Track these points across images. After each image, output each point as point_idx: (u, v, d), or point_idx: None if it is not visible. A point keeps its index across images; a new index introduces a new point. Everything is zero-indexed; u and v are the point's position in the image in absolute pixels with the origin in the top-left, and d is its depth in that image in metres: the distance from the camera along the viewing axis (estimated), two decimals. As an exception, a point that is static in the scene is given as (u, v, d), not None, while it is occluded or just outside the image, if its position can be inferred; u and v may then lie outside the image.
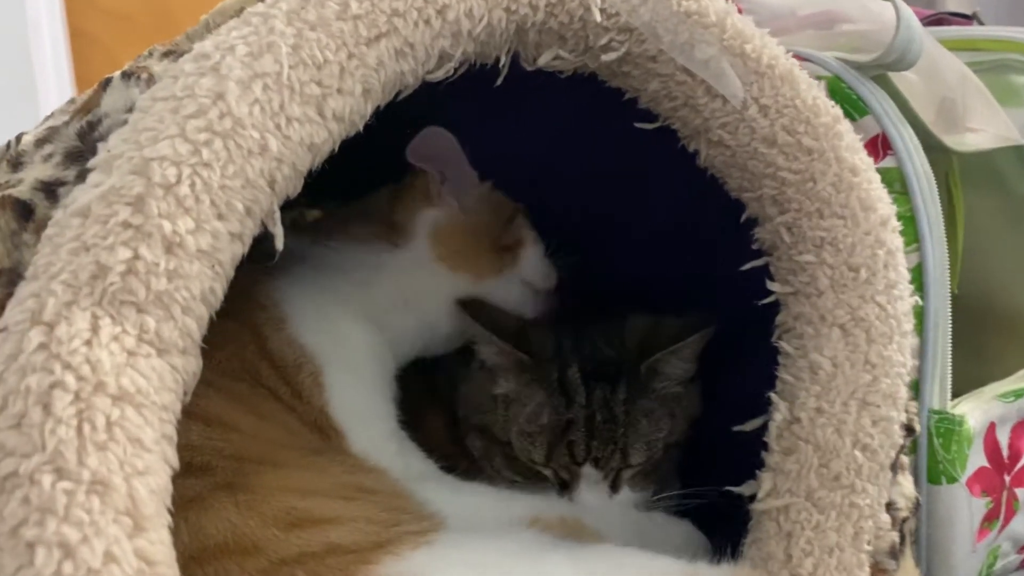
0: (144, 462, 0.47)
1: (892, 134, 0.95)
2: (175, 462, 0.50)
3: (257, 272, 0.87)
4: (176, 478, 0.62)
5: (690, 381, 0.96)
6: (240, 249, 0.56)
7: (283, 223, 0.96)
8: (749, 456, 0.86)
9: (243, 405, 0.76)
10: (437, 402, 1.00)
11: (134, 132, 0.54)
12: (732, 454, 0.96)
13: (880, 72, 1.00)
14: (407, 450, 0.87)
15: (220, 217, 0.55)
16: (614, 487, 0.91)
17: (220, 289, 0.55)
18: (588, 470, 0.90)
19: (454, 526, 0.74)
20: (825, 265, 0.75)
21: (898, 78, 1.02)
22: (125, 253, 0.51)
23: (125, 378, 0.48)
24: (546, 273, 0.99)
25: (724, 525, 1.00)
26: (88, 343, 0.48)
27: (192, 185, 0.53)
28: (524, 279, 0.97)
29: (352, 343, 0.89)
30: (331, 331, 0.87)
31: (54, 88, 2.01)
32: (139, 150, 0.53)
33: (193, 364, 0.53)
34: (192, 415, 0.69)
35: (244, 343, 0.82)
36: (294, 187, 0.60)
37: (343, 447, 0.82)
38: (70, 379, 0.47)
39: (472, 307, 0.93)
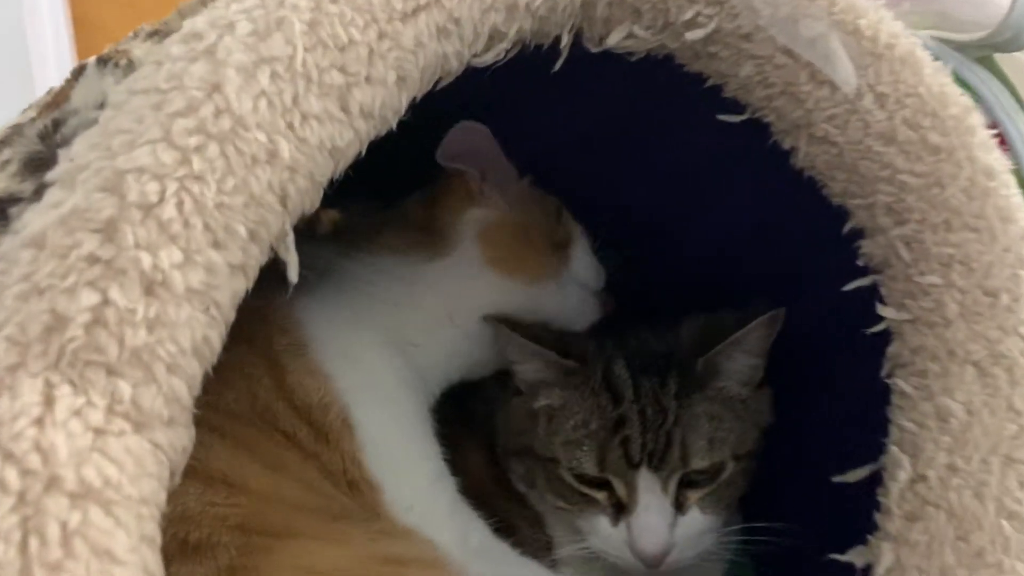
0: (114, 583, 0.35)
1: (1007, 126, 0.81)
2: (159, 570, 0.38)
3: (273, 290, 0.74)
4: (169, 565, 0.50)
5: (759, 387, 0.84)
6: (243, 284, 0.44)
7: (296, 229, 0.82)
8: (834, 504, 0.75)
9: (253, 456, 0.63)
10: (475, 434, 0.87)
11: (105, 135, 0.42)
12: (807, 498, 0.84)
13: (987, 53, 0.86)
14: (461, 511, 0.74)
15: (216, 245, 0.42)
16: (680, 507, 0.79)
17: (217, 337, 0.43)
18: (646, 478, 0.78)
19: None
20: (954, 289, 0.62)
21: (1006, 60, 0.89)
22: (91, 298, 0.38)
23: (89, 468, 0.36)
24: (597, 271, 0.88)
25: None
26: (39, 422, 0.36)
27: (180, 205, 0.41)
28: (577, 279, 0.85)
29: (387, 372, 0.76)
30: (362, 358, 0.75)
31: (55, 82, 1.88)
32: (111, 159, 0.41)
33: (183, 437, 0.41)
34: (189, 473, 0.57)
35: (257, 377, 0.70)
36: (311, 202, 0.48)
37: (375, 503, 0.69)
38: (12, 475, 0.34)
39: (506, 322, 0.81)
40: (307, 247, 0.74)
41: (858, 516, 0.66)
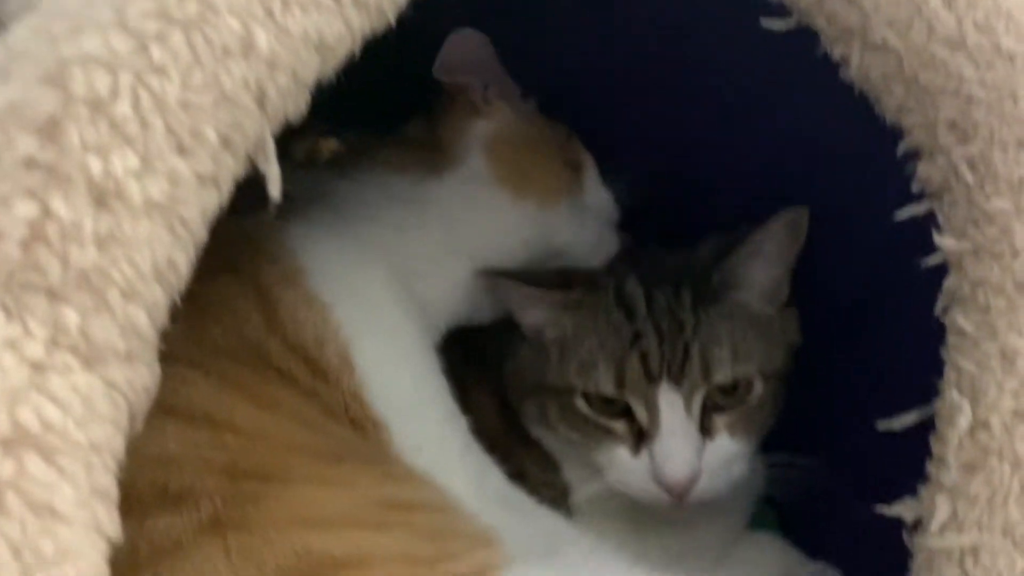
0: (57, 544, 0.29)
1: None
2: (114, 529, 0.32)
3: (263, 214, 0.68)
4: (145, 516, 0.45)
5: (785, 306, 0.78)
6: (215, 199, 0.38)
7: (293, 157, 0.75)
8: (878, 453, 0.68)
9: (242, 394, 0.58)
10: (485, 379, 0.81)
11: (47, 18, 0.35)
12: (847, 446, 0.78)
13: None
14: (474, 454, 0.69)
15: (181, 151, 0.36)
16: (707, 431, 0.73)
17: (185, 260, 0.37)
18: (668, 397, 0.72)
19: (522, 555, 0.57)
20: None
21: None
22: (28, 209, 0.32)
23: (25, 409, 0.30)
24: (610, 202, 0.82)
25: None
26: (-36, 354, 0.30)
27: (136, 102, 0.35)
28: (591, 206, 0.79)
29: (389, 302, 0.70)
30: (362, 287, 0.69)
31: None
32: (53, 46, 0.34)
33: (145, 376, 0.35)
34: (168, 411, 0.52)
35: (245, 311, 0.64)
36: (295, 106, 0.41)
37: (381, 443, 0.64)
38: (-71, 416, 0.28)
39: (501, 272, 0.76)
40: (302, 175, 0.66)
41: (905, 467, 0.60)
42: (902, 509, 0.58)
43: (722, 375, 0.72)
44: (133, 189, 0.34)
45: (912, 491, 0.59)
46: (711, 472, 0.73)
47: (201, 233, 0.38)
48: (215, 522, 0.49)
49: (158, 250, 0.35)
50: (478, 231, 0.74)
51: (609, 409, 0.74)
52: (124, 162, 0.34)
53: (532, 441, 0.81)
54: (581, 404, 0.75)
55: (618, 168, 0.81)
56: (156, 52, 0.35)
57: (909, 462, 0.60)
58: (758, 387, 0.75)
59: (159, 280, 0.35)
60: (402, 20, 0.56)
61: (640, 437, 0.73)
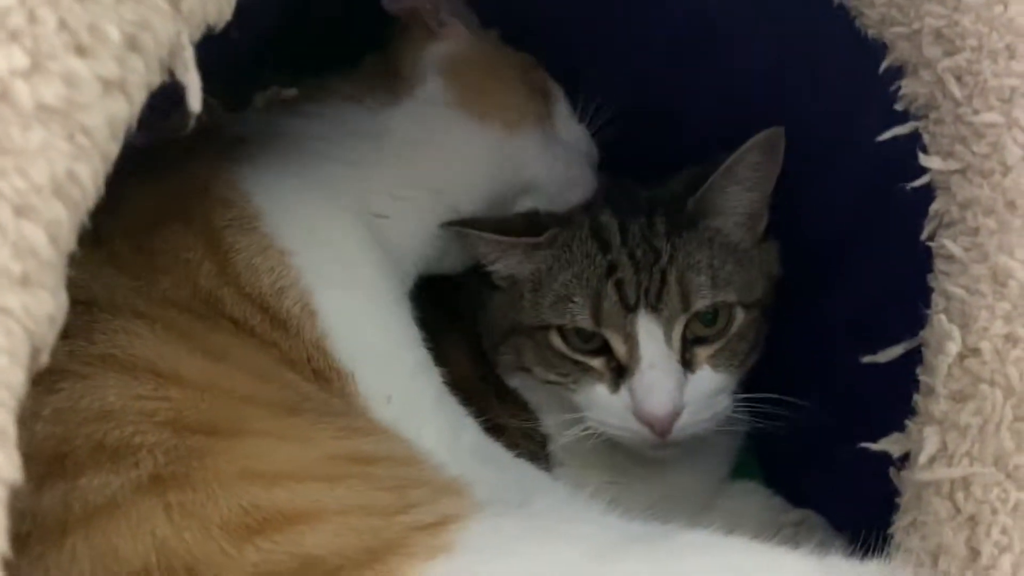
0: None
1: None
2: (12, 472, 0.29)
3: (214, 156, 0.64)
4: (79, 475, 0.42)
5: (764, 239, 0.76)
6: (124, 108, 0.34)
7: (255, 104, 0.71)
8: (863, 389, 0.66)
9: (191, 345, 0.54)
10: (458, 328, 0.78)
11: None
12: (830, 383, 0.75)
13: None
14: (448, 405, 0.66)
15: (80, 51, 0.32)
16: (688, 364, 0.70)
17: (90, 174, 0.33)
18: (647, 326, 0.69)
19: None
20: (1017, 128, 0.53)
21: None
22: None
23: None
24: (587, 138, 0.78)
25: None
26: None
27: (22, -7, 0.30)
28: (564, 140, 0.75)
29: (353, 245, 0.66)
30: (323, 229, 0.65)
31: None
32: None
33: (46, 303, 0.31)
34: (107, 362, 0.48)
35: (196, 261, 0.60)
36: (217, 9, 0.37)
37: (347, 394, 0.60)
38: None
39: (468, 223, 0.72)
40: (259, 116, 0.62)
41: (892, 401, 0.58)
42: (889, 444, 0.56)
43: (701, 302, 0.70)
44: (21, 91, 0.30)
45: (899, 427, 0.56)
46: (694, 406, 0.70)
47: (109, 145, 0.33)
48: (155, 479, 0.46)
49: (56, 162, 0.31)
50: (441, 160, 0.70)
51: (586, 345, 0.71)
52: (9, 60, 0.30)
53: (508, 392, 0.78)
54: (557, 341, 0.72)
55: (595, 104, 0.77)
56: (43, -64, 0.31)
57: (897, 398, 0.57)
58: (739, 317, 0.72)
59: (58, 195, 0.31)
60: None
61: (619, 373, 0.71)
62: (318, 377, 0.61)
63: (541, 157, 0.72)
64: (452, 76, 0.69)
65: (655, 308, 0.69)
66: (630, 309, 0.69)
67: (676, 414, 0.68)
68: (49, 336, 0.32)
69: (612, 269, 0.70)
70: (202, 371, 0.53)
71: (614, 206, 0.74)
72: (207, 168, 0.64)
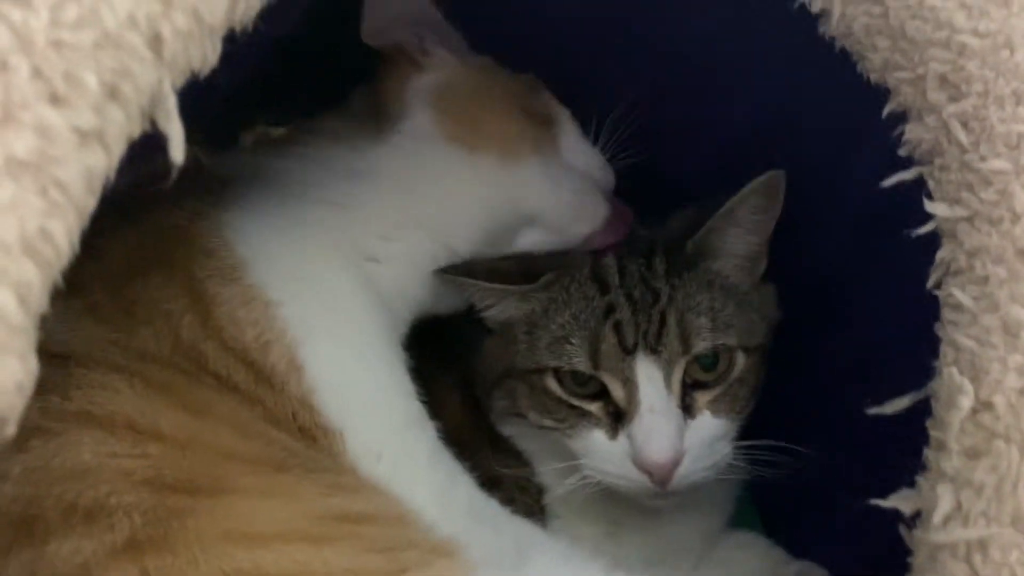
0: None
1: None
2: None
3: (196, 201, 0.62)
4: (48, 540, 0.40)
5: (763, 283, 0.74)
6: (102, 160, 0.32)
7: (242, 143, 0.69)
8: (868, 442, 0.65)
9: (170, 400, 0.52)
10: (450, 374, 0.76)
11: None
12: (834, 435, 0.73)
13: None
14: (442, 461, 0.63)
15: (54, 100, 0.30)
16: (688, 410, 0.69)
17: (64, 231, 0.31)
18: (647, 369, 0.67)
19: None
20: None
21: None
22: None
23: None
24: (599, 160, 0.74)
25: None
26: None
27: (-8, 39, 0.29)
28: (572, 165, 0.72)
29: (344, 293, 0.64)
30: (312, 280, 0.62)
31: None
32: None
33: (16, 370, 0.29)
34: (82, 419, 0.46)
35: (178, 313, 0.58)
36: (201, 54, 0.35)
37: (334, 453, 0.58)
38: None
39: (460, 269, 0.70)
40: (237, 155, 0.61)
41: (898, 451, 0.55)
42: (899, 501, 0.53)
43: (702, 344, 0.68)
44: (-11, 144, 0.28)
45: (908, 482, 0.54)
46: (694, 453, 0.68)
47: (85, 200, 0.31)
48: (131, 543, 0.44)
49: (27, 219, 0.29)
50: (433, 197, 0.67)
51: (582, 389, 0.69)
52: (-22, 111, 0.28)
53: (502, 441, 0.76)
54: (553, 385, 0.70)
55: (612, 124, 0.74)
56: (18, -20, 0.29)
57: (904, 450, 0.55)
58: (740, 361, 0.70)
59: (29, 254, 0.29)
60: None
61: (617, 418, 0.68)
62: (303, 435, 0.59)
63: (543, 188, 0.69)
64: (440, 107, 0.67)
65: (654, 350, 0.67)
66: (628, 351, 0.67)
67: (677, 461, 0.66)
68: (17, 405, 0.30)
69: (610, 310, 0.69)
70: (183, 426, 0.51)
71: (615, 247, 0.73)
72: (188, 213, 0.62)
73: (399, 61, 0.68)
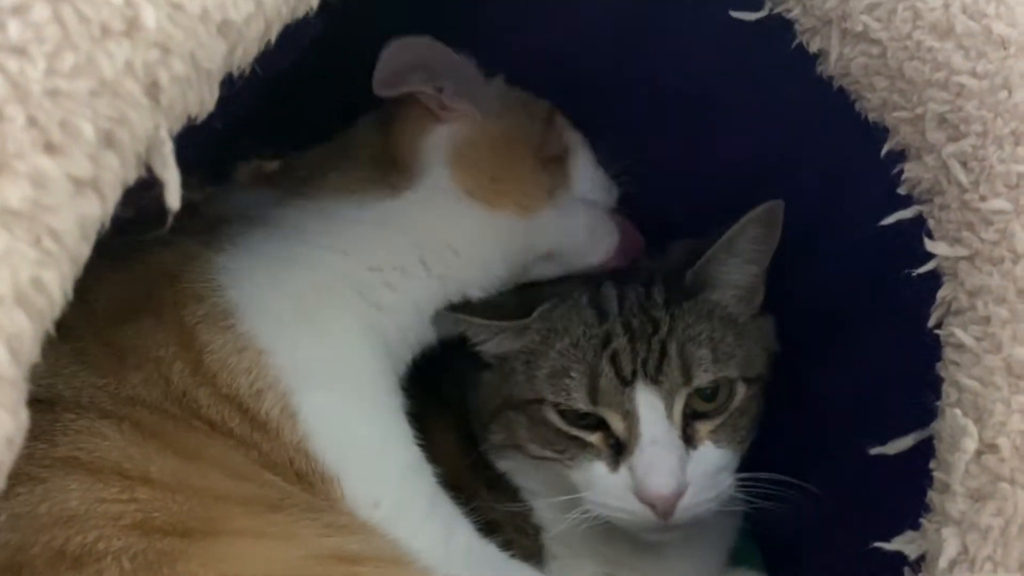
0: None
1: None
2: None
3: (188, 242, 0.61)
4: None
5: (761, 314, 0.74)
6: (97, 209, 0.32)
7: (236, 178, 0.68)
8: (870, 482, 0.64)
9: (160, 445, 0.51)
10: (445, 414, 0.75)
11: None
12: (836, 475, 0.72)
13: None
14: (442, 507, 0.62)
15: (49, 149, 0.30)
16: (690, 440, 0.68)
17: (57, 281, 0.30)
18: (647, 400, 0.67)
19: None
20: None
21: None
22: None
23: None
24: (606, 183, 0.74)
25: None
26: None
27: (-12, 88, 0.28)
28: (584, 196, 0.71)
29: (343, 341, 0.63)
30: (307, 326, 0.61)
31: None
32: None
33: (6, 424, 0.28)
34: (70, 465, 0.45)
35: (168, 359, 0.57)
36: (199, 99, 0.35)
37: (331, 498, 0.58)
38: None
39: (460, 309, 0.69)
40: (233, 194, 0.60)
41: (900, 493, 0.55)
42: (903, 544, 0.53)
43: (704, 376, 0.67)
44: (-17, 194, 0.28)
45: (912, 524, 0.54)
46: (697, 485, 0.67)
47: (79, 248, 0.31)
48: None
49: (20, 269, 0.29)
50: (448, 250, 0.66)
51: (582, 420, 0.68)
52: (-29, 161, 0.28)
53: (498, 479, 0.75)
54: (553, 416, 0.69)
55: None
56: (13, 28, 0.29)
57: (907, 491, 0.54)
58: (740, 391, 0.69)
59: (21, 305, 0.29)
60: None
61: (618, 450, 0.67)
62: (301, 479, 0.58)
63: (559, 230, 0.69)
64: (459, 165, 0.66)
65: (655, 380, 0.66)
66: (627, 382, 0.66)
67: (680, 493, 0.65)
68: (6, 460, 0.29)
69: (608, 340, 0.68)
70: (173, 472, 0.50)
71: (615, 275, 0.72)
72: (179, 256, 0.60)
73: (414, 112, 0.66)
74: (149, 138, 0.33)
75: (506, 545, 0.65)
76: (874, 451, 0.58)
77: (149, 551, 0.45)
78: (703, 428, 0.68)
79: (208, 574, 0.46)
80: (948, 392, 0.53)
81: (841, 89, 0.57)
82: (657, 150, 0.73)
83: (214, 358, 0.57)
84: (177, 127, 0.35)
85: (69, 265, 0.31)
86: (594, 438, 0.68)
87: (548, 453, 0.70)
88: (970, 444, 0.49)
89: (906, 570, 0.53)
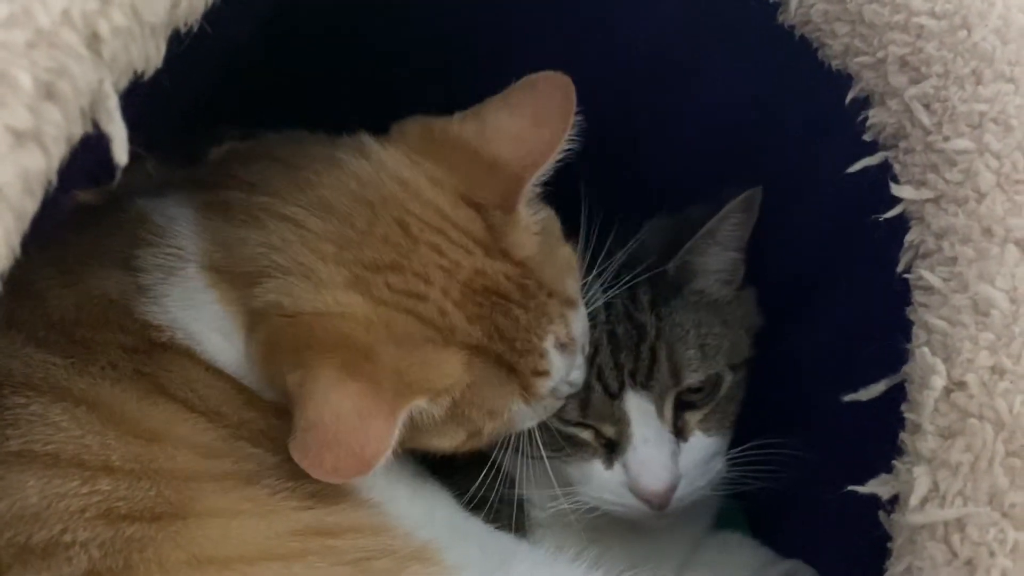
0: None
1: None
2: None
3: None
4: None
5: (741, 288, 0.74)
6: (41, 161, 0.31)
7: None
8: (846, 429, 0.64)
9: (118, 428, 0.50)
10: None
11: None
12: (812, 426, 0.73)
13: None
14: (425, 489, 0.63)
15: (-15, 100, 0.29)
16: (680, 432, 0.68)
17: (1, 234, 0.30)
18: (637, 404, 0.67)
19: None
20: (988, 153, 0.51)
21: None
22: None
23: None
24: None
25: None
26: None
27: (-80, 39, 0.28)
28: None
29: None
30: None
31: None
32: None
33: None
34: (27, 457, 0.45)
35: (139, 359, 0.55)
36: (144, 56, 0.35)
37: None
38: None
39: None
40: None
41: (877, 441, 0.55)
42: (877, 486, 0.53)
43: (694, 376, 0.68)
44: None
45: (886, 468, 0.54)
46: (690, 475, 0.68)
47: (23, 202, 0.31)
48: (91, 574, 0.42)
49: (-40, 223, 0.29)
50: None
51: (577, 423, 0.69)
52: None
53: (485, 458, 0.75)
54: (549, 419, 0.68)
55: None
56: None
57: (883, 441, 0.55)
58: (728, 379, 0.70)
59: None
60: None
61: (611, 448, 0.68)
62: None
63: None
64: None
65: (645, 386, 0.66)
66: (615, 396, 0.67)
67: (674, 486, 0.66)
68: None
69: (594, 352, 0.67)
70: (137, 456, 0.49)
71: (601, 281, 0.70)
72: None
73: None
74: (93, 92, 0.33)
75: (491, 517, 0.66)
76: (847, 398, 0.59)
77: (117, 538, 0.45)
78: (692, 418, 0.69)
79: (180, 556, 0.45)
80: (917, 334, 0.53)
81: (803, 38, 0.57)
82: (628, 121, 0.73)
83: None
84: (123, 82, 0.35)
85: (13, 218, 0.31)
86: (587, 435, 0.69)
87: (545, 452, 0.69)
88: (938, 381, 0.49)
89: (880, 513, 0.53)
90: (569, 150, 0.58)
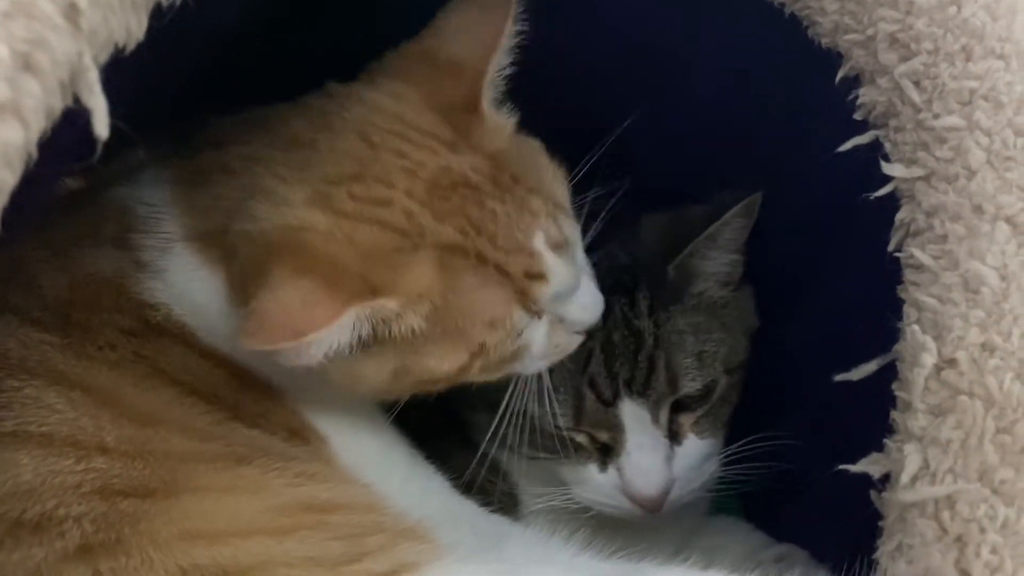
0: None
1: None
2: None
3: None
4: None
5: (739, 287, 0.73)
6: (19, 134, 0.31)
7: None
8: (837, 410, 0.65)
9: (113, 411, 0.50)
10: (463, 440, 0.74)
11: None
12: (804, 409, 0.73)
13: None
14: (418, 472, 0.63)
15: (-39, 70, 0.29)
16: (674, 436, 0.69)
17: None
18: (632, 411, 0.67)
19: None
20: (979, 131, 0.51)
21: None
22: None
23: None
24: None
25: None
26: None
27: None
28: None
29: None
30: None
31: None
32: None
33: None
34: (21, 438, 0.45)
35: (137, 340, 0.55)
36: (125, 28, 0.35)
37: (323, 455, 0.58)
38: None
39: None
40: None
41: (869, 421, 0.55)
42: (868, 465, 0.53)
43: (691, 385, 0.68)
44: None
45: (877, 447, 0.54)
46: (684, 478, 0.68)
47: (2, 176, 0.31)
48: (83, 548, 0.43)
49: (-62, 195, 0.28)
50: None
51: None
52: None
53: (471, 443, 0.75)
54: (541, 423, 0.68)
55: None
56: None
57: (874, 417, 0.55)
58: (723, 383, 0.70)
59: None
60: None
61: (605, 452, 0.68)
62: (293, 436, 0.57)
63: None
64: None
65: (641, 394, 0.66)
66: (609, 404, 0.66)
67: (667, 490, 0.67)
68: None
69: (589, 359, 0.67)
70: (131, 439, 0.49)
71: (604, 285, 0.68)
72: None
73: None
74: (72, 64, 0.33)
75: (483, 499, 0.66)
76: (839, 378, 0.58)
77: (110, 513, 0.45)
78: (686, 421, 0.69)
79: (172, 531, 0.45)
80: (908, 312, 0.53)
81: (793, 16, 0.57)
82: (615, 101, 0.72)
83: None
84: (104, 55, 0.35)
85: (-6, 192, 0.31)
86: (582, 438, 0.69)
87: (541, 454, 0.70)
88: (928, 359, 0.49)
89: (871, 492, 0.53)
90: (522, 33, 0.57)
